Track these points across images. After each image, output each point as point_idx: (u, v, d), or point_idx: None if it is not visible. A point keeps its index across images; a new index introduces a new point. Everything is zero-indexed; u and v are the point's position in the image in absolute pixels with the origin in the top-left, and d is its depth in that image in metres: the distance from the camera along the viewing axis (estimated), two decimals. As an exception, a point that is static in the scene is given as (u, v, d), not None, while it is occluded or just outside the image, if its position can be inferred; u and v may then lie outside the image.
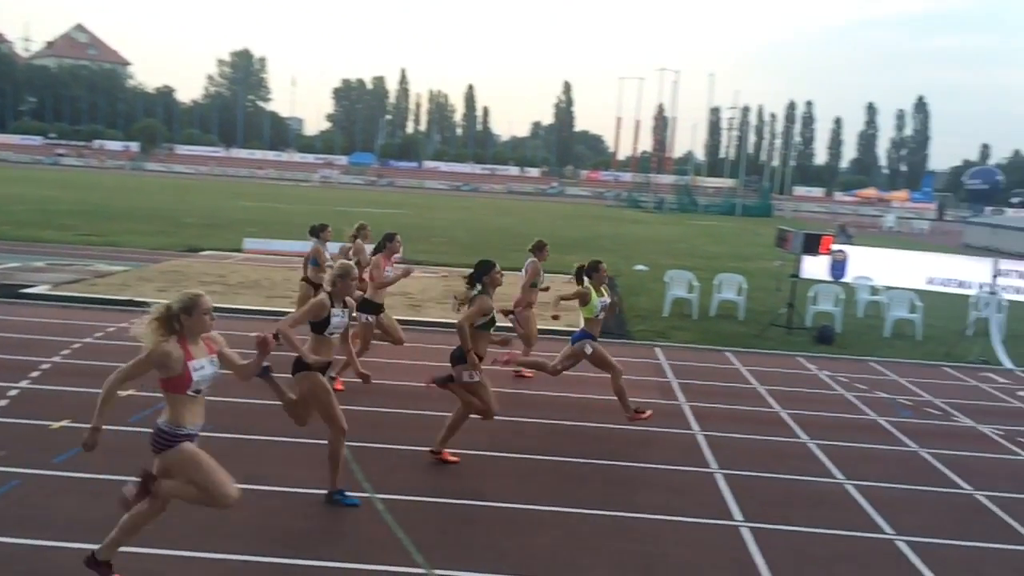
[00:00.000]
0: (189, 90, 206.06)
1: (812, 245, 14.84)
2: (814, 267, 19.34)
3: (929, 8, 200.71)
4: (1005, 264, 22.32)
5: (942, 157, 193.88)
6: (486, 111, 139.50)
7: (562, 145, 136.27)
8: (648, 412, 8.50)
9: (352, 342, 7.27)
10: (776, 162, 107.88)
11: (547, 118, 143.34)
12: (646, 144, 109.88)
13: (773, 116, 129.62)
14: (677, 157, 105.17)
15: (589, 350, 8.48)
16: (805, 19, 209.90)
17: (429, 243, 26.49)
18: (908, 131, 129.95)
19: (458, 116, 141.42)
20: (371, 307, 9.55)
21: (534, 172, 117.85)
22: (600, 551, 5.77)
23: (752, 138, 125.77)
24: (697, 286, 16.20)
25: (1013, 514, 6.90)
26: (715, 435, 8.59)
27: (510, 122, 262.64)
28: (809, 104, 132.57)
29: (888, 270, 20.56)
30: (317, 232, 11.12)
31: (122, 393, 6.11)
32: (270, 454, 7.26)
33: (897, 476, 7.73)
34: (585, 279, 8.68)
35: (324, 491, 6.23)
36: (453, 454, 7.26)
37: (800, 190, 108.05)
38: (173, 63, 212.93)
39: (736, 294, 16.42)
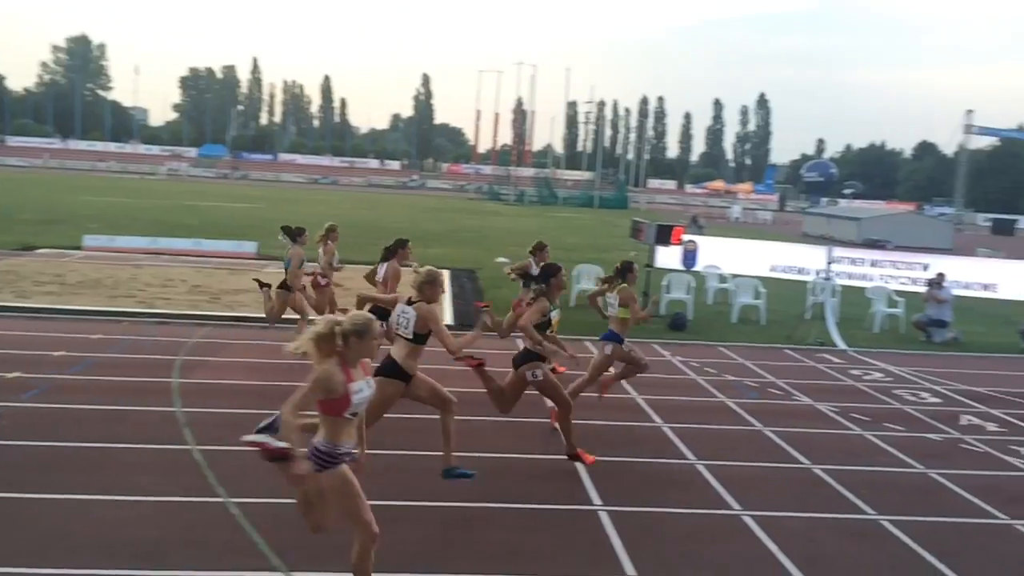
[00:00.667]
0: (20, 78, 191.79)
1: (664, 236, 15.39)
2: (667, 257, 20.10)
3: (773, 9, 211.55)
4: (838, 251, 23.86)
5: (783, 151, 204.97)
6: (344, 103, 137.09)
7: (422, 138, 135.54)
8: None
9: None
10: (631, 155, 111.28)
11: (407, 110, 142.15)
12: (506, 137, 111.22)
13: (627, 111, 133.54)
14: (536, 150, 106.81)
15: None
16: (656, 17, 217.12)
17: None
18: (752, 126, 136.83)
19: (314, 107, 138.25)
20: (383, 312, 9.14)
21: (394, 165, 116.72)
22: (462, 543, 5.81)
23: (608, 132, 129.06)
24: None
25: (846, 485, 7.41)
26: (574, 423, 8.77)
27: (369, 114, 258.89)
28: (661, 100, 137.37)
29: (735, 259, 21.61)
30: (295, 236, 10.84)
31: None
32: (123, 461, 6.90)
33: (744, 455, 8.16)
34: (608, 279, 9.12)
35: (176, 498, 5.98)
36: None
37: (654, 182, 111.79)
38: (1, 49, 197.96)
39: (594, 285, 16.79)
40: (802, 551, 5.99)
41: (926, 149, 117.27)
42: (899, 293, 17.47)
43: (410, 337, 6.27)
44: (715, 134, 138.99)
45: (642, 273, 15.73)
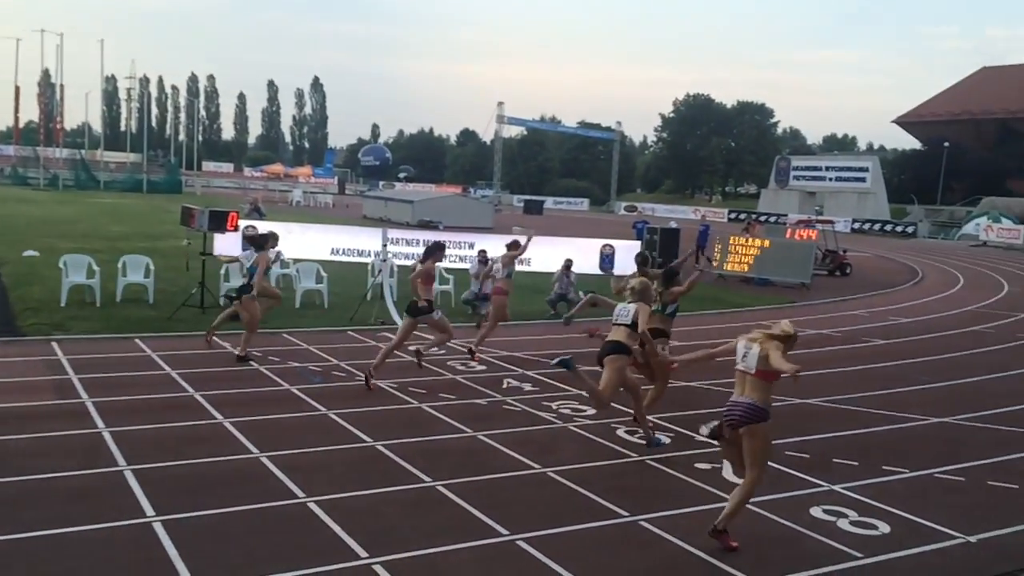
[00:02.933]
0: None
1: (219, 222, 14.73)
2: (226, 245, 19.34)
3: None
4: (394, 233, 25.01)
5: (341, 135, 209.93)
6: None
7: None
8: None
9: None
10: (183, 137, 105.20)
11: None
12: (31, 114, 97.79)
13: (175, 88, 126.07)
14: (71, 129, 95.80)
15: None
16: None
17: None
18: (308, 109, 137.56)
19: None
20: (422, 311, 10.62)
21: None
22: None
23: (155, 111, 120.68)
24: (98, 270, 14.96)
25: (405, 457, 7.77)
26: (124, 430, 8.04)
27: None
28: (212, 78, 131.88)
29: (297, 243, 21.51)
30: (262, 243, 11.79)
31: None
32: None
33: (308, 441, 8.13)
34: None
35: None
36: None
37: (210, 165, 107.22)
38: None
39: (144, 276, 15.58)
40: (367, 527, 6.14)
41: (468, 136, 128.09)
42: (449, 270, 18.81)
43: (628, 323, 8.09)
44: (271, 116, 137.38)
45: (198, 262, 15.00)
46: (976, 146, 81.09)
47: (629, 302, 8.33)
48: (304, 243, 22.43)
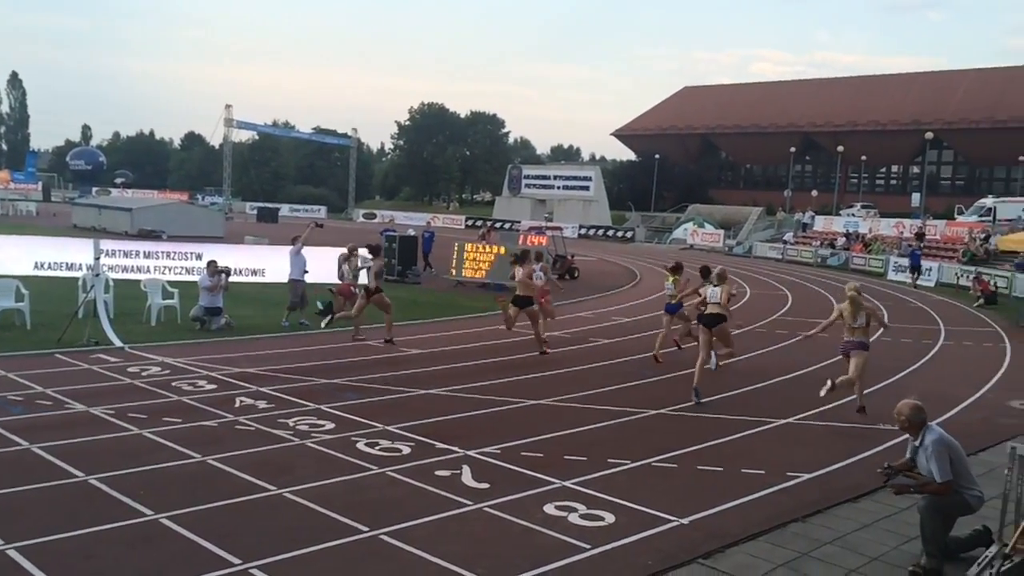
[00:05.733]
0: None
1: None
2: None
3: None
4: (109, 244, 23.06)
5: (46, 137, 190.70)
6: None
7: None
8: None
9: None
10: None
11: None
12: None
13: None
14: None
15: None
16: None
17: None
18: (6, 107, 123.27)
19: None
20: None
21: None
22: None
23: None
24: None
25: (122, 489, 7.13)
26: None
27: None
28: None
29: (-8, 257, 19.18)
30: (376, 251, 15.83)
31: None
32: None
33: (7, 481, 7.22)
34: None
35: None
36: None
37: None
38: None
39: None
40: (79, 570, 5.56)
41: (194, 140, 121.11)
42: (174, 284, 17.62)
43: (718, 301, 11.99)
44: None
45: None
46: (683, 158, 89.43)
47: (715, 286, 12.04)
48: (1, 257, 20.04)
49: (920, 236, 41.04)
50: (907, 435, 6.57)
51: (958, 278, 33.41)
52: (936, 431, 6.32)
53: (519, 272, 15.06)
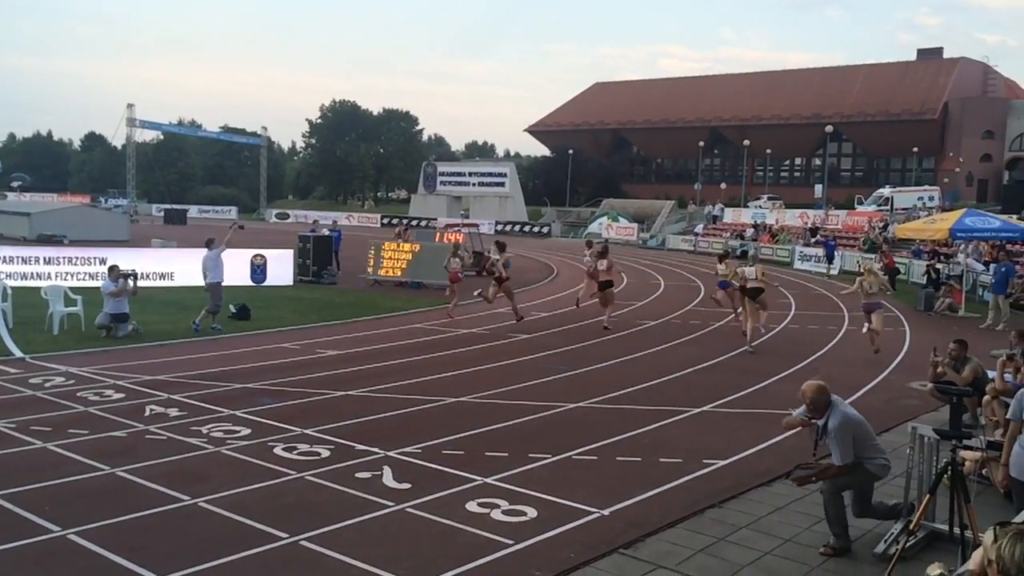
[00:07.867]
0: None
1: None
2: None
3: None
4: (6, 250, 22.11)
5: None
6: None
7: None
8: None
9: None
10: None
11: None
12: None
13: None
14: None
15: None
16: None
17: None
18: None
19: None
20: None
21: None
22: None
23: None
24: None
25: (27, 506, 6.84)
26: None
27: None
28: None
29: None
30: (503, 248, 18.36)
31: None
32: None
33: (-102, 504, 6.84)
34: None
35: None
36: None
37: None
38: None
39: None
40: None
41: (95, 140, 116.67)
42: (77, 290, 16.94)
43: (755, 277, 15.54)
44: None
45: None
46: (595, 153, 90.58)
47: (750, 266, 15.78)
48: None
49: (814, 231, 42.61)
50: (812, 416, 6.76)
51: (859, 265, 34.73)
52: (840, 412, 6.50)
53: (602, 263, 18.00)
